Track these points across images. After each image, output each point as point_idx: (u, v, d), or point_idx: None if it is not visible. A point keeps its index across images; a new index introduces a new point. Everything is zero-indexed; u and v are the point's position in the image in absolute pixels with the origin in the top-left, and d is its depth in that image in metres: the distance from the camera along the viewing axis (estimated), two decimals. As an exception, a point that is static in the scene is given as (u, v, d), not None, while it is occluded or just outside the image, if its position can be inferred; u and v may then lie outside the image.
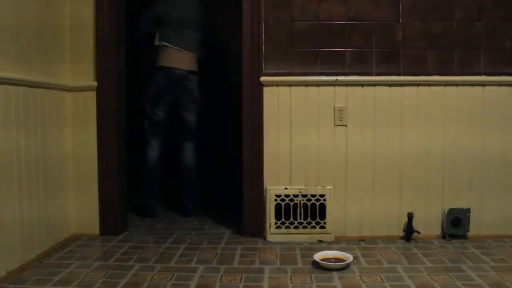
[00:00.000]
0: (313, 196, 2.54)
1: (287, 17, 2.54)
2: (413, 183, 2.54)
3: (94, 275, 2.03)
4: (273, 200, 2.54)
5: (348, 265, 2.11)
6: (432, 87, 2.53)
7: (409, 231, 2.50)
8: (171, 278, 1.99)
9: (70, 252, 2.36)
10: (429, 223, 2.55)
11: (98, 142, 2.59)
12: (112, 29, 2.59)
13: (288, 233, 2.54)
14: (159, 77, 3.07)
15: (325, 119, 2.55)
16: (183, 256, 2.30)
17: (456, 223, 2.51)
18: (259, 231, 2.59)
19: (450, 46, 2.53)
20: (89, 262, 2.20)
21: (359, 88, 2.54)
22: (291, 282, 1.94)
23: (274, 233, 2.54)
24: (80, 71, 2.58)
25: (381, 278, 1.97)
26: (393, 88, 2.53)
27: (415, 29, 2.52)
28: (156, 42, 3.10)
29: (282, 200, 2.54)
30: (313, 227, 2.54)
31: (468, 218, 2.51)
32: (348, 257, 2.14)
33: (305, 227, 2.55)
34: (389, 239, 2.54)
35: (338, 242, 2.52)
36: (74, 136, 2.58)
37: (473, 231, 2.53)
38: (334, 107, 2.54)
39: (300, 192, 2.54)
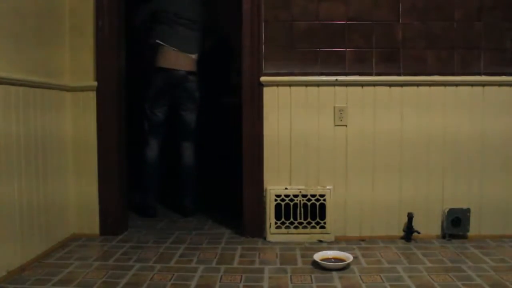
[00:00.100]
0: (313, 196, 2.54)
1: (287, 17, 2.54)
2: (413, 183, 2.54)
3: (94, 275, 2.03)
4: (273, 200, 2.54)
5: (348, 265, 2.11)
6: (432, 87, 2.53)
7: (409, 231, 2.50)
8: (171, 278, 1.99)
9: (70, 252, 2.36)
10: (429, 223, 2.55)
11: (98, 142, 2.59)
12: (112, 29, 2.59)
13: (288, 233, 2.54)
14: (159, 78, 3.07)
15: (325, 119, 2.55)
16: (183, 256, 2.30)
17: (456, 223, 2.51)
18: (259, 231, 2.59)
19: (450, 46, 2.53)
20: (89, 262, 2.20)
21: (359, 88, 2.54)
22: (291, 282, 1.94)
23: (274, 233, 2.54)
24: (80, 71, 2.58)
25: (381, 278, 1.98)
26: (393, 88, 2.53)
27: (415, 29, 2.52)
28: (152, 41, 3.09)
29: (282, 200, 2.54)
30: (313, 227, 2.54)
31: (468, 218, 2.51)
32: (348, 257, 2.14)
33: (305, 227, 2.55)
34: (389, 239, 2.54)
35: (338, 242, 2.52)
36: (74, 136, 2.58)
37: (473, 231, 2.53)
38: (334, 107, 2.54)
39: (300, 192, 2.54)
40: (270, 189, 2.55)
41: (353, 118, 2.54)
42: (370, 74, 2.54)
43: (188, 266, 2.15)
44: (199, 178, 3.27)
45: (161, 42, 3.04)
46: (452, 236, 2.54)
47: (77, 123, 2.58)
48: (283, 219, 2.55)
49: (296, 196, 2.54)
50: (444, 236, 2.55)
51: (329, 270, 2.07)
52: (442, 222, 2.55)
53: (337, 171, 2.56)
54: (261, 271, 2.08)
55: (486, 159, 2.53)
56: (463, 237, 2.54)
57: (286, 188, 2.55)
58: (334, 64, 2.54)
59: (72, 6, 2.56)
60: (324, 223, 2.53)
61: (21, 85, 2.07)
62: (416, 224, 2.51)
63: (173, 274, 2.04)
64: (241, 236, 2.63)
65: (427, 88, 2.53)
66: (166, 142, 3.24)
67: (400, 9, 2.52)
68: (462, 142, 2.53)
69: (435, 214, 2.55)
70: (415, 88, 2.53)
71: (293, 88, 2.55)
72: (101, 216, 2.62)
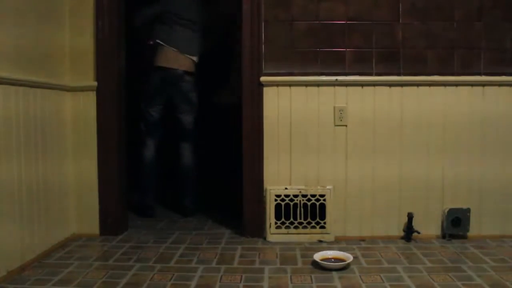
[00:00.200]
0: (313, 196, 2.54)
1: (287, 17, 2.54)
2: (413, 182, 2.54)
3: (94, 275, 2.03)
4: (273, 200, 2.54)
5: (348, 265, 2.11)
6: (432, 87, 2.53)
7: (409, 231, 2.50)
8: (171, 278, 1.99)
9: (70, 252, 2.36)
10: (429, 223, 2.55)
11: (98, 142, 2.59)
12: (112, 29, 2.59)
13: (288, 233, 2.54)
14: (156, 77, 3.07)
15: (325, 119, 2.55)
16: (183, 256, 2.30)
17: (456, 223, 2.51)
18: (259, 231, 2.59)
19: (450, 46, 2.53)
20: (89, 262, 2.20)
21: (359, 88, 2.54)
22: (291, 282, 1.94)
23: (274, 233, 2.54)
24: (80, 71, 2.58)
25: (381, 278, 1.97)
26: (393, 88, 2.53)
27: (415, 29, 2.52)
28: (151, 42, 3.09)
29: (282, 200, 2.54)
30: (313, 227, 2.54)
31: (468, 218, 2.51)
32: (348, 257, 2.14)
33: (305, 227, 2.55)
34: (389, 239, 2.54)
35: (338, 242, 2.52)
36: (73, 136, 2.58)
37: (473, 231, 2.53)
38: (334, 107, 2.54)
39: (300, 192, 2.54)
40: (270, 189, 2.55)
41: (353, 118, 2.54)
42: (370, 74, 2.54)
43: (188, 266, 2.15)
44: (199, 178, 3.27)
45: (161, 42, 3.05)
46: (452, 236, 2.54)
47: (77, 123, 2.58)
48: (283, 219, 2.55)
49: (296, 196, 2.54)
50: (444, 236, 2.55)
51: (329, 270, 2.07)
52: (442, 222, 2.55)
53: (337, 171, 2.56)
54: (261, 271, 2.08)
55: (486, 159, 2.53)
56: (463, 237, 2.54)
57: (286, 188, 2.55)
58: (334, 64, 2.54)
59: (72, 6, 2.56)
60: (324, 223, 2.53)
61: (21, 85, 2.07)
62: (416, 224, 2.51)
63: (173, 274, 2.04)
64: (241, 236, 2.63)
65: (427, 88, 2.53)
66: (165, 142, 3.24)
67: (400, 9, 2.52)
68: (462, 142, 2.53)
69: (435, 214, 2.55)
70: (415, 88, 2.53)
71: (293, 88, 2.55)
72: (101, 216, 2.62)
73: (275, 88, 2.56)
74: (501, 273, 2.02)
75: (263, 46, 2.55)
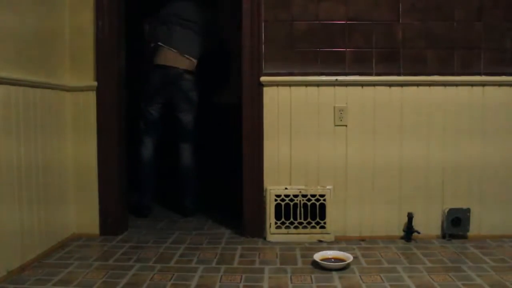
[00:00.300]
0: (313, 196, 2.54)
1: (287, 17, 2.54)
2: (413, 182, 2.54)
3: (94, 275, 2.03)
4: (273, 200, 2.54)
5: (348, 265, 2.11)
6: (432, 87, 2.53)
7: (409, 231, 2.50)
8: (171, 278, 1.99)
9: (70, 252, 2.36)
10: (429, 223, 2.55)
11: (98, 142, 2.59)
12: (112, 30, 2.59)
13: (288, 233, 2.54)
14: (155, 75, 3.07)
15: (325, 119, 2.55)
16: (183, 256, 2.30)
17: (456, 223, 2.51)
18: (259, 231, 2.59)
19: (450, 46, 2.53)
20: (89, 262, 2.20)
21: (359, 88, 2.54)
22: (291, 282, 1.94)
23: (274, 233, 2.54)
24: (80, 71, 2.58)
25: (381, 278, 1.98)
26: (393, 88, 2.53)
27: (415, 29, 2.52)
28: (152, 44, 3.10)
29: (282, 200, 2.54)
30: (313, 227, 2.54)
31: (468, 218, 2.51)
32: (348, 257, 2.14)
33: (305, 227, 2.55)
34: (389, 239, 2.54)
35: (338, 242, 2.52)
36: (74, 136, 2.58)
37: (473, 231, 2.53)
38: (334, 107, 2.54)
39: (300, 192, 2.54)
40: (270, 189, 2.55)
41: (353, 118, 2.54)
42: (370, 74, 2.54)
43: (188, 266, 2.15)
44: (199, 178, 3.26)
45: (161, 44, 3.05)
46: (452, 236, 2.54)
47: (77, 123, 2.58)
48: (283, 219, 2.55)
49: (296, 196, 2.54)
50: (444, 236, 2.55)
51: (329, 270, 2.07)
52: (442, 222, 2.55)
53: (337, 171, 2.56)
54: (261, 271, 2.08)
55: (486, 159, 2.53)
56: (463, 237, 2.54)
57: (286, 188, 2.55)
58: (334, 64, 2.54)
59: (72, 6, 2.56)
60: (324, 223, 2.53)
61: (21, 85, 2.07)
62: (416, 224, 2.51)
63: (173, 274, 2.04)
64: (241, 236, 2.63)
65: (427, 88, 2.53)
66: (165, 142, 3.24)
67: (400, 9, 2.52)
68: (462, 141, 2.53)
69: (435, 214, 2.55)
70: (415, 88, 2.53)
71: (293, 88, 2.55)
72: (101, 216, 2.62)
73: (275, 88, 2.56)
74: (501, 273, 2.02)
75: (263, 46, 2.55)
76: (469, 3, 2.51)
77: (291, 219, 2.54)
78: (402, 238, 2.54)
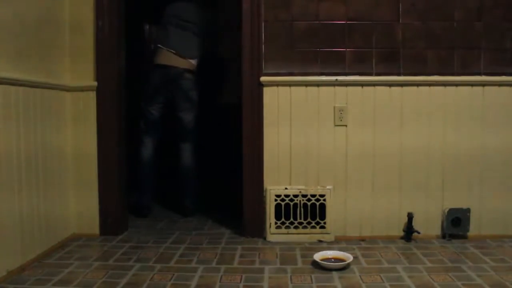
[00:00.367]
0: (313, 196, 2.54)
1: (287, 17, 2.54)
2: (413, 183, 2.54)
3: (94, 275, 2.03)
4: (273, 200, 2.54)
5: (348, 265, 2.11)
6: (432, 87, 2.53)
7: (409, 231, 2.50)
8: (171, 278, 1.99)
9: (70, 252, 2.36)
10: (429, 223, 2.55)
11: (98, 142, 2.59)
12: (112, 29, 2.59)
13: (288, 233, 2.54)
14: (155, 75, 3.07)
15: (325, 119, 2.55)
16: (183, 256, 2.30)
17: (456, 223, 2.51)
18: (259, 231, 2.59)
19: (450, 46, 2.53)
20: (89, 262, 2.20)
21: (359, 88, 2.54)
22: (291, 282, 1.94)
23: (274, 233, 2.54)
24: (80, 71, 2.58)
25: (381, 278, 1.98)
26: (393, 88, 2.53)
27: (415, 29, 2.52)
28: (152, 46, 3.10)
29: (282, 200, 2.54)
30: (313, 227, 2.54)
31: (468, 218, 2.51)
32: (348, 257, 2.14)
33: (305, 227, 2.55)
34: (389, 239, 2.54)
35: (338, 242, 2.52)
36: (74, 136, 2.58)
37: (473, 231, 2.53)
38: (334, 107, 2.54)
39: (300, 192, 2.54)
40: (270, 189, 2.55)
41: (353, 118, 2.54)
42: (370, 74, 2.54)
43: (188, 266, 2.15)
44: (199, 178, 3.26)
45: (161, 46, 3.05)
46: (452, 236, 2.54)
47: (77, 123, 2.58)
48: (283, 219, 2.55)
49: (296, 196, 2.54)
50: (444, 236, 2.55)
51: (329, 270, 2.07)
52: (442, 222, 2.55)
53: (337, 171, 2.56)
54: (261, 271, 2.08)
55: (486, 159, 2.53)
56: (463, 237, 2.54)
57: (286, 188, 2.55)
58: (334, 64, 2.54)
59: (72, 6, 2.56)
60: (324, 223, 2.53)
61: (21, 85, 2.07)
62: (416, 224, 2.51)
63: (173, 274, 2.04)
64: (241, 236, 2.63)
65: (427, 88, 2.53)
66: (165, 142, 3.24)
67: (400, 9, 2.52)
68: (462, 141, 2.53)
69: (435, 214, 2.55)
70: (415, 88, 2.53)
71: (293, 88, 2.55)
72: (101, 216, 2.62)
73: (275, 88, 2.56)
74: (501, 273, 2.02)
75: (263, 46, 2.55)
76: (469, 3, 2.51)
77: (291, 219, 2.54)
78: (402, 238, 2.54)
